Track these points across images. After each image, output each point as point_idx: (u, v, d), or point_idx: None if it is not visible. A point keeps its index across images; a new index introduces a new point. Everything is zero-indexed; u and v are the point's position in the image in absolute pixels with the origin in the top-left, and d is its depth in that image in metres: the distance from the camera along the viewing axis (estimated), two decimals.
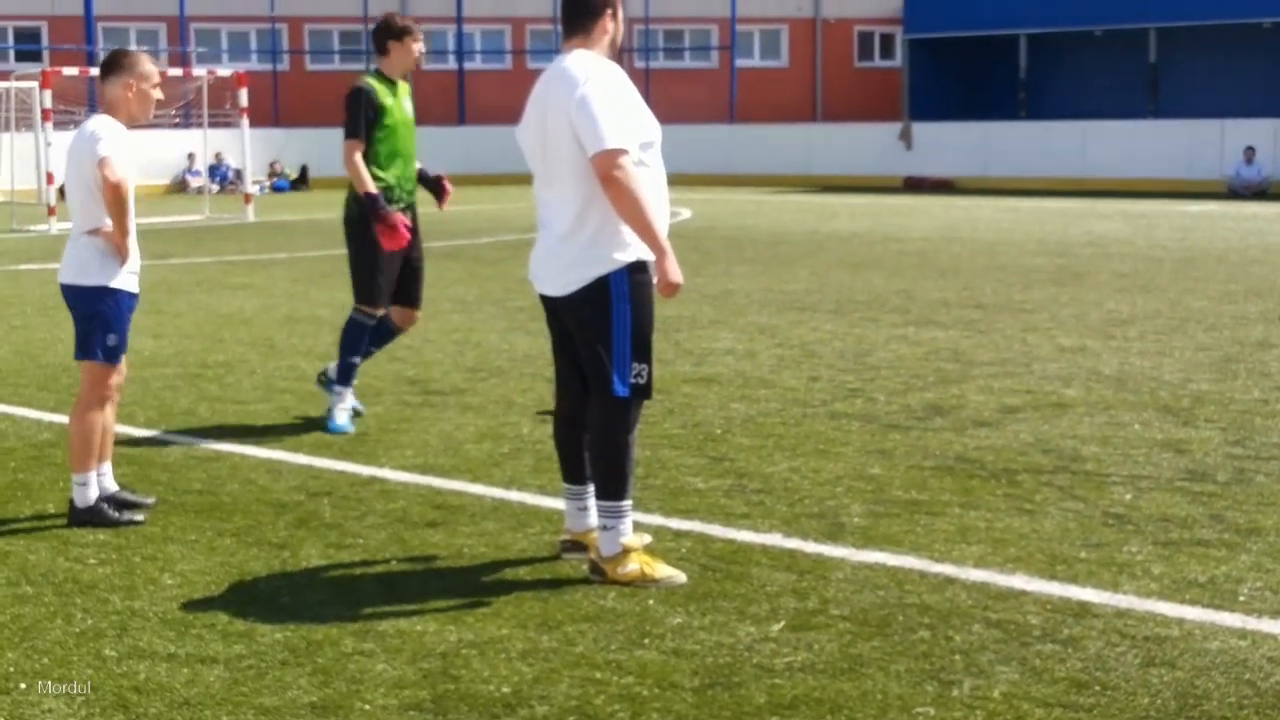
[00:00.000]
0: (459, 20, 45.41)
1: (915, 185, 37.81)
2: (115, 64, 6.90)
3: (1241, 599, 5.63)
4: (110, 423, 7.13)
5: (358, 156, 8.57)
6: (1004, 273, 17.19)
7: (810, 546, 6.35)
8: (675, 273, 5.77)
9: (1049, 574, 5.95)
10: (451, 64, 46.23)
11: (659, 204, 5.93)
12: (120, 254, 6.82)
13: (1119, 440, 8.33)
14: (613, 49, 6.09)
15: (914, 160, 38.75)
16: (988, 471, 7.64)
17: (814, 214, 28.31)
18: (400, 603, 5.67)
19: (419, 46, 8.84)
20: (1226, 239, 21.80)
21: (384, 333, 9.17)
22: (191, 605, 5.68)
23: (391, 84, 8.78)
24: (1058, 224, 25.11)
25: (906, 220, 26.42)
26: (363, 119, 8.58)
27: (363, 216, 8.68)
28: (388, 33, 8.74)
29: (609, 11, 6.04)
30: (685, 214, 27.15)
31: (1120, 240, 21.74)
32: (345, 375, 8.93)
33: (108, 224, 6.79)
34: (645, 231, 5.74)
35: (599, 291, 5.84)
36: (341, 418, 8.84)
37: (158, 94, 6.96)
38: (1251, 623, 5.38)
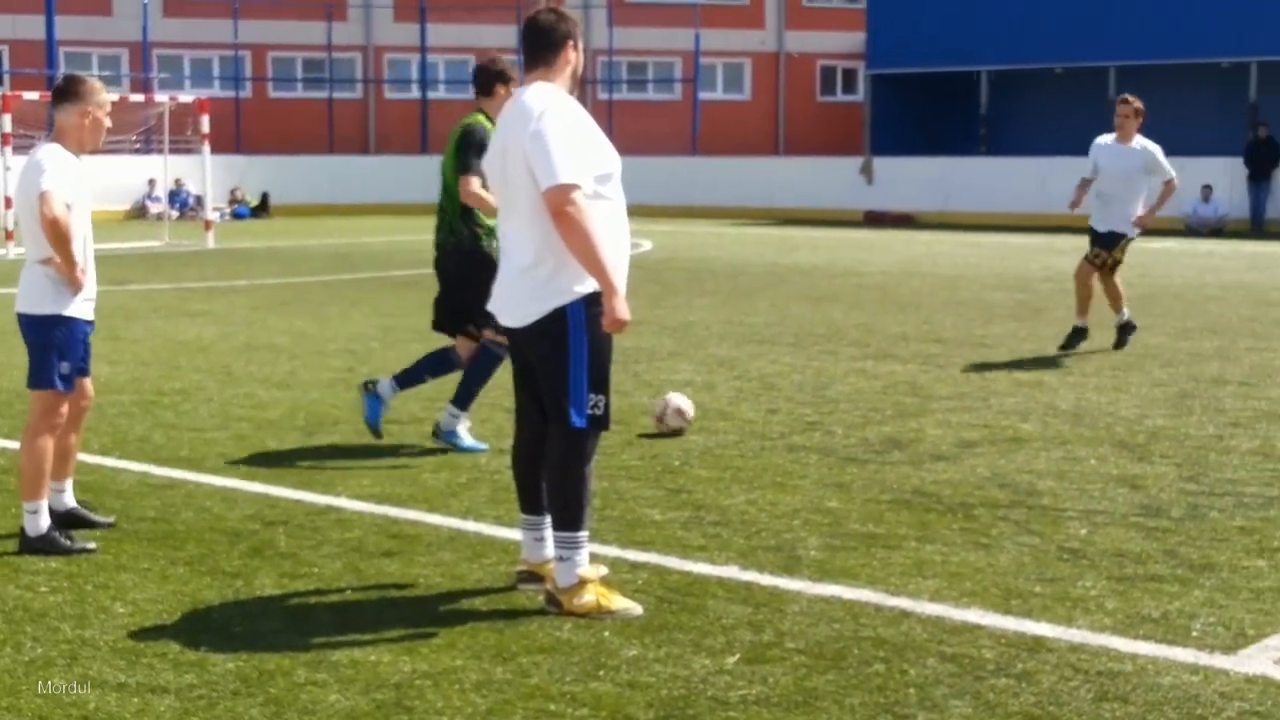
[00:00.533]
0: (423, 49, 45.45)
1: (876, 219, 37.96)
2: (71, 91, 6.86)
3: (1194, 634, 5.66)
4: (74, 444, 7.14)
5: (476, 184, 8.58)
6: (963, 307, 17.26)
7: (766, 579, 6.35)
8: (622, 310, 5.78)
9: (1004, 608, 5.97)
10: (415, 93, 46.24)
11: (619, 236, 5.95)
12: (72, 286, 6.78)
13: (1075, 475, 8.37)
14: (574, 80, 6.11)
15: (875, 194, 38.92)
16: (944, 505, 7.66)
17: (775, 247, 28.39)
18: (354, 633, 5.64)
19: None
20: (1184, 276, 21.97)
21: (450, 365, 9.34)
22: (143, 634, 5.64)
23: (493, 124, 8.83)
24: (1017, 259, 25.24)
25: (867, 254, 26.51)
26: (474, 155, 8.56)
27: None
28: (499, 77, 8.93)
29: (570, 43, 6.07)
30: (646, 245, 27.18)
31: None
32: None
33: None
34: (594, 267, 5.75)
35: (557, 323, 5.85)
36: (468, 438, 9.10)
37: (108, 121, 6.94)
38: (1204, 658, 5.40)
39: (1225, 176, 34.80)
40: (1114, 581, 6.33)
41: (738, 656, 5.39)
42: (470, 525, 7.26)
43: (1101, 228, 13.66)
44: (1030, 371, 12.24)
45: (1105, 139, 13.81)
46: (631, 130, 41.34)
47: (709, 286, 20.04)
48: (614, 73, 48.24)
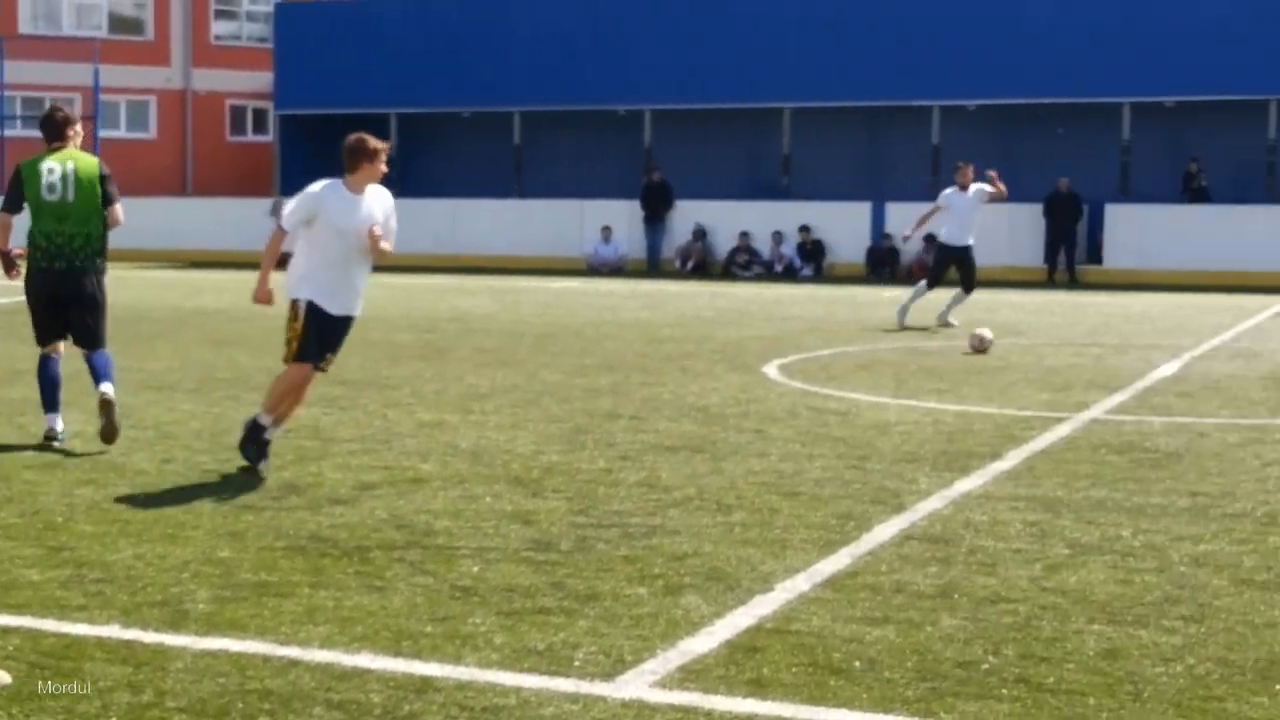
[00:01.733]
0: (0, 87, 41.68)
1: (285, 261, 37.56)
2: None
3: (576, 664, 5.82)
4: None
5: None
6: (371, 348, 17.25)
7: (150, 636, 6.11)
8: None
9: (394, 650, 5.96)
10: None
11: None
12: None
13: (470, 513, 8.49)
14: None
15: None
16: (340, 549, 7.60)
17: (179, 290, 27.65)
18: None
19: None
20: (584, 315, 22.82)
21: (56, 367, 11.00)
22: None
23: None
24: (426, 299, 25.56)
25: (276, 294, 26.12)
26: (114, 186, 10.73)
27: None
28: (66, 122, 10.62)
29: None
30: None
31: (485, 316, 22.36)
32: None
33: None
34: None
35: None
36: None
37: None
38: (584, 686, 5.56)
39: (624, 218, 36.51)
40: (503, 616, 6.44)
41: None
42: None
43: (335, 310, 10.37)
44: (433, 411, 12.38)
45: (328, 185, 10.11)
46: None
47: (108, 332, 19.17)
48: (8, 108, 45.78)
